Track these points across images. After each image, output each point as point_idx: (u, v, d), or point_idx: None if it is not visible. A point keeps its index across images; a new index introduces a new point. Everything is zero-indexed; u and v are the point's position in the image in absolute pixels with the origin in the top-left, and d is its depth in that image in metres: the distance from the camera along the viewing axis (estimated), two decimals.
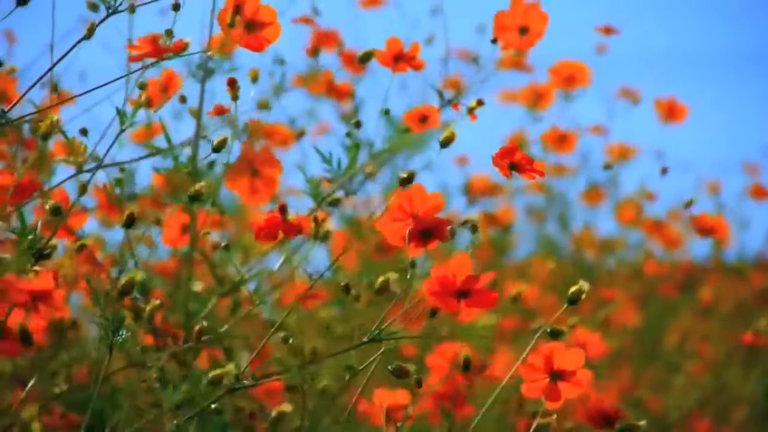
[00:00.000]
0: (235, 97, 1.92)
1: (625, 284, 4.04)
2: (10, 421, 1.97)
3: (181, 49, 1.66)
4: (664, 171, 3.11)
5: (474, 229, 1.65)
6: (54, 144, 2.26)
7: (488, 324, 2.71)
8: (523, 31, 2.00)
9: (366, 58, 2.09)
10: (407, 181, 1.68)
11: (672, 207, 4.07)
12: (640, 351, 3.79)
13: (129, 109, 1.78)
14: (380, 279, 1.73)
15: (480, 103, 2.02)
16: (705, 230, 2.91)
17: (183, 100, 2.20)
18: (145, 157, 2.17)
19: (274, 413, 1.70)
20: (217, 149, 1.78)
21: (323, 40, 2.84)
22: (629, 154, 3.93)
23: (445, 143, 1.72)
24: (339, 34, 2.88)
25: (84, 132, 1.99)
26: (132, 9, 1.68)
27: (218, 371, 1.67)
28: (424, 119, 2.01)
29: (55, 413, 2.09)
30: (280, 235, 1.75)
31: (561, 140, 3.26)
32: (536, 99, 3.13)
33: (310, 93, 2.73)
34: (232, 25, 1.69)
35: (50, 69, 1.73)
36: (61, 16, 1.99)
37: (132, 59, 1.66)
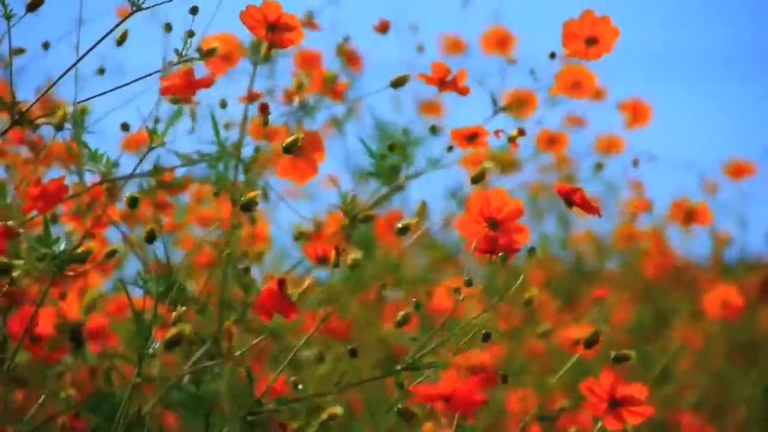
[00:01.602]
0: (265, 122, 1.91)
1: (623, 285, 4.01)
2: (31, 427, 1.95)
3: (211, 83, 1.64)
4: (636, 163, 3.09)
5: (532, 255, 1.66)
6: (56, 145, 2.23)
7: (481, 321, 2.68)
8: (591, 41, 1.99)
9: (399, 82, 2.11)
10: (403, 231, 1.66)
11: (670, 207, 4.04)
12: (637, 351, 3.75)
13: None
14: (401, 314, 1.73)
15: (521, 132, 2.00)
16: (687, 217, 2.88)
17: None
18: (182, 165, 2.15)
19: (324, 415, 1.67)
20: (286, 149, 1.73)
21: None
22: (615, 147, 3.88)
23: (477, 180, 1.69)
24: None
25: (125, 127, 1.97)
26: (168, 27, 1.66)
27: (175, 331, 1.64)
28: (472, 137, 1.99)
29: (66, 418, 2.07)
30: (277, 312, 1.73)
31: (551, 141, 3.23)
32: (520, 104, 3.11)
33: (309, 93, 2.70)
34: (266, 60, 1.69)
35: (74, 65, 1.71)
36: (63, 15, 1.96)
37: (164, 91, 1.64)
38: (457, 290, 1.66)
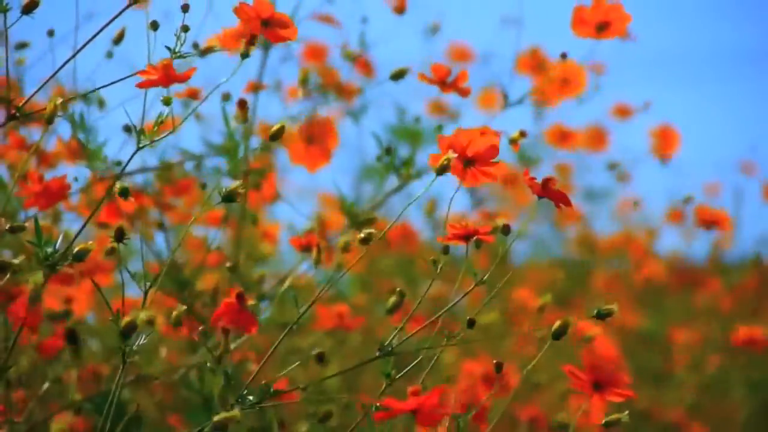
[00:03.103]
0: (244, 119, 1.88)
1: (622, 286, 3.96)
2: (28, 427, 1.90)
3: (189, 77, 1.59)
4: (636, 205, 3.04)
5: (507, 232, 1.61)
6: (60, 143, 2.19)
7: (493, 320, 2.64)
8: (602, 27, 1.97)
9: (399, 75, 2.11)
10: (366, 241, 1.61)
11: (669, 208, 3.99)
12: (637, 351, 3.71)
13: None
14: (392, 299, 1.69)
15: (523, 134, 1.96)
16: (708, 223, 2.83)
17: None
18: (180, 162, 2.11)
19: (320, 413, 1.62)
20: (274, 137, 1.68)
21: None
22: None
23: (441, 172, 1.63)
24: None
25: (129, 129, 1.93)
26: (155, 26, 1.61)
27: (224, 415, 1.59)
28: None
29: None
30: (236, 325, 1.67)
31: (563, 137, 3.18)
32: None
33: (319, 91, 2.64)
34: (246, 56, 1.66)
35: (68, 61, 1.68)
36: (64, 17, 1.92)
37: (140, 86, 1.59)
38: (434, 261, 1.61)
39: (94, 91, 1.73)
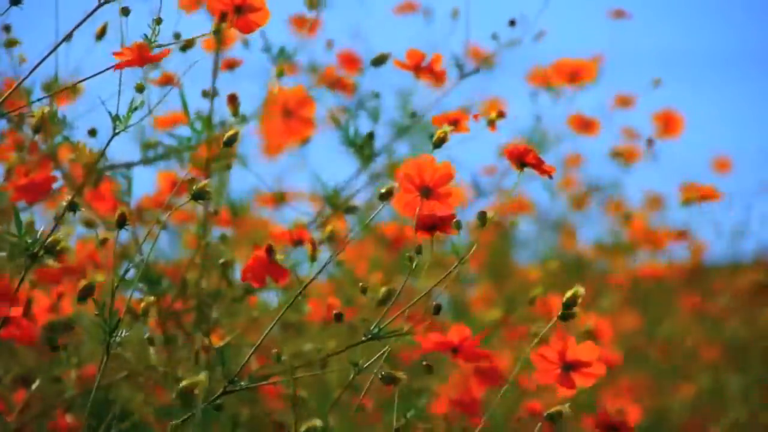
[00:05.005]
0: (235, 113, 1.85)
1: (621, 287, 3.93)
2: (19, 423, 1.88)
3: (162, 58, 1.56)
4: (651, 143, 3.00)
5: (483, 220, 1.56)
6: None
7: (494, 317, 2.62)
8: None
9: (380, 61, 2.10)
10: (387, 196, 1.57)
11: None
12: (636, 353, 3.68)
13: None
14: (383, 289, 1.68)
15: (501, 114, 1.93)
16: (699, 197, 2.78)
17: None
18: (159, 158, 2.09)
19: (303, 429, 1.59)
20: (227, 143, 1.65)
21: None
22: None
23: (438, 144, 1.59)
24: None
25: (93, 133, 1.91)
26: (125, 11, 1.58)
27: (189, 381, 1.57)
28: (454, 123, 1.94)
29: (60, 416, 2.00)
30: (267, 278, 1.65)
31: (585, 125, 3.14)
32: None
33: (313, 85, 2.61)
34: (217, 32, 1.63)
35: (48, 55, 1.64)
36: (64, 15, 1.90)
37: (117, 67, 1.56)
38: (410, 259, 1.57)
39: (63, 89, 1.70)
